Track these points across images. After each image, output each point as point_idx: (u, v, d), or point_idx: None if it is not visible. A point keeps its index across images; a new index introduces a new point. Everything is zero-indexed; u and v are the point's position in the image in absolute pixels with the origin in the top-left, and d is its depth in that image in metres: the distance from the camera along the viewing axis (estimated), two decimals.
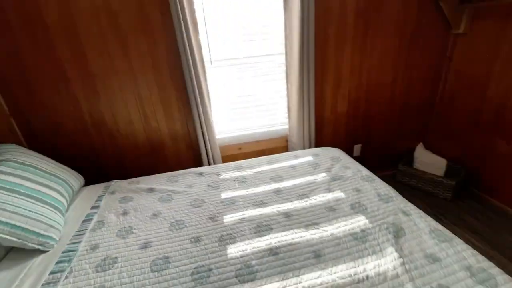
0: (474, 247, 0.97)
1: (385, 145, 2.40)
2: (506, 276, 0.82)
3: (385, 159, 2.45)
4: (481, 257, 0.89)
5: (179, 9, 1.46)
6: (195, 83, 1.65)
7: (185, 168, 1.73)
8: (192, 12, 1.58)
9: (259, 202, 1.27)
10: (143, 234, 1.11)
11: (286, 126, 2.11)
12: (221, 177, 1.52)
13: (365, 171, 1.47)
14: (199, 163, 1.94)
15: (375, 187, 1.31)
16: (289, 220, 1.13)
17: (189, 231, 1.11)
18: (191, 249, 1.01)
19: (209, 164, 1.90)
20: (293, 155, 1.72)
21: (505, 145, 1.85)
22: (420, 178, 2.19)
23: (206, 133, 1.81)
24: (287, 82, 1.95)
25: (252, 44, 1.86)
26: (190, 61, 1.59)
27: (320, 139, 2.17)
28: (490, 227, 1.78)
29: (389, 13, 1.90)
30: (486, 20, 1.84)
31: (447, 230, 1.02)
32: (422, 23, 1.99)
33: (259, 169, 1.56)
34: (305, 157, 1.68)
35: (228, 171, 1.57)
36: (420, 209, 1.16)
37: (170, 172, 1.66)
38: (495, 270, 0.84)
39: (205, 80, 1.76)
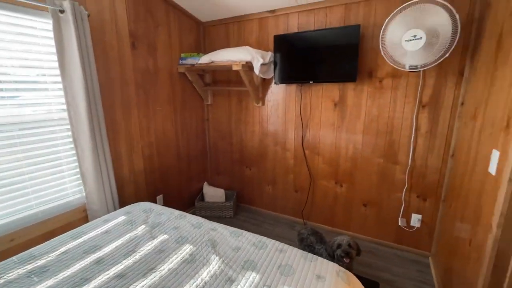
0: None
1: (182, 189, 2.85)
2: (274, 242, 1.44)
3: (184, 200, 2.89)
4: (259, 237, 1.48)
5: None
6: None
7: None
8: None
9: (78, 282, 1.11)
10: None
11: (80, 195, 1.90)
12: (2, 281, 1.10)
13: (176, 212, 1.75)
14: None
15: (188, 221, 1.64)
16: (123, 279, 1.12)
17: None
18: None
19: None
20: (103, 220, 1.62)
21: (248, 171, 2.98)
22: (211, 207, 2.84)
23: None
24: (75, 147, 1.82)
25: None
26: None
27: (123, 199, 2.16)
28: (258, 225, 2.71)
29: (162, 88, 2.46)
30: (221, 97, 2.95)
31: (239, 229, 1.56)
32: (186, 96, 2.76)
33: (63, 249, 1.32)
34: (117, 218, 1.65)
35: (13, 269, 1.17)
36: None
37: None
38: (267, 241, 1.44)
39: None
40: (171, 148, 2.66)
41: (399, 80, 2.04)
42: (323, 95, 2.37)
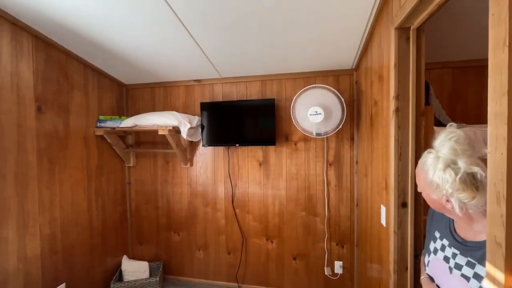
0: None
1: (93, 271, 2.37)
2: None
3: (96, 284, 2.38)
4: None
5: None
6: None
7: None
8: None
9: None
10: None
11: None
12: None
13: None
14: None
15: None
16: None
17: None
18: None
19: None
20: None
21: (177, 236, 2.76)
22: (133, 287, 2.43)
23: None
24: None
25: None
26: None
27: None
28: None
29: (74, 153, 2.19)
30: (145, 158, 2.80)
31: None
32: (104, 160, 2.51)
33: None
34: None
35: None
36: None
37: None
38: None
39: None
40: (82, 222, 2.27)
41: (309, 143, 2.42)
42: (249, 155, 2.56)
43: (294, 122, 2.18)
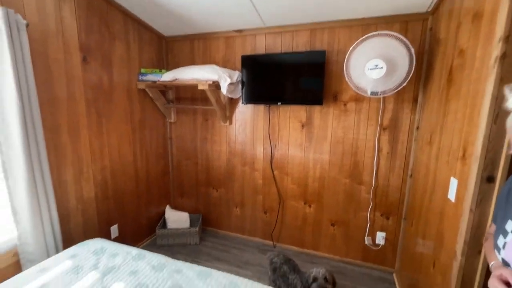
0: (220, 269, 1.43)
1: (140, 216, 2.57)
2: (247, 282, 1.31)
3: (142, 228, 2.61)
4: (230, 277, 1.34)
5: None
6: None
7: None
8: None
9: None
10: None
11: (9, 237, 1.57)
12: None
13: (134, 251, 1.54)
14: None
15: (148, 262, 1.44)
16: None
17: None
18: None
19: None
20: (40, 270, 1.34)
21: (215, 192, 2.82)
22: (175, 234, 2.61)
23: None
24: (5, 178, 1.51)
25: None
26: None
27: (68, 235, 1.85)
28: (227, 252, 2.55)
29: (118, 106, 2.22)
30: (185, 114, 2.79)
31: (207, 269, 1.41)
32: (147, 114, 2.54)
33: None
34: (59, 264, 1.38)
35: None
36: (186, 261, 1.47)
37: None
38: (239, 281, 1.31)
39: None
40: (128, 171, 2.40)
41: (361, 104, 2.14)
42: (290, 116, 2.37)
43: (346, 78, 1.89)
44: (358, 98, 2.13)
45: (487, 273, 1.07)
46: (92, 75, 1.97)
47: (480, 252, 1.08)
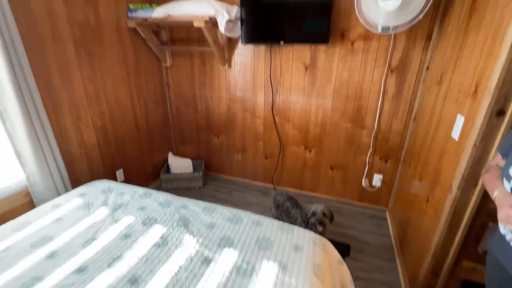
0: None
1: (144, 162, 2.63)
2: (249, 214, 1.40)
3: (147, 174, 2.70)
4: (234, 210, 1.42)
5: None
6: None
7: None
8: None
9: (29, 282, 0.96)
10: None
11: (19, 178, 1.62)
12: None
13: (141, 190, 1.60)
14: None
15: (155, 199, 1.51)
16: (84, 273, 1.00)
17: None
18: None
19: None
20: (52, 206, 1.41)
21: (216, 139, 2.84)
22: (179, 179, 2.71)
23: None
24: (3, 121, 1.48)
25: None
26: None
27: (75, 177, 1.92)
28: (229, 194, 2.68)
29: (109, 47, 2.07)
30: (181, 57, 2.62)
31: (212, 204, 1.48)
32: (141, 57, 2.39)
33: (2, 245, 1.12)
34: (70, 201, 1.45)
35: None
36: None
37: None
38: (242, 214, 1.39)
39: None
40: (127, 118, 2.37)
41: (370, 43, 1.98)
42: (293, 57, 2.23)
43: (356, 12, 1.72)
44: (367, 36, 1.97)
45: (480, 203, 1.11)
46: (76, 10, 1.79)
47: (476, 185, 1.12)
